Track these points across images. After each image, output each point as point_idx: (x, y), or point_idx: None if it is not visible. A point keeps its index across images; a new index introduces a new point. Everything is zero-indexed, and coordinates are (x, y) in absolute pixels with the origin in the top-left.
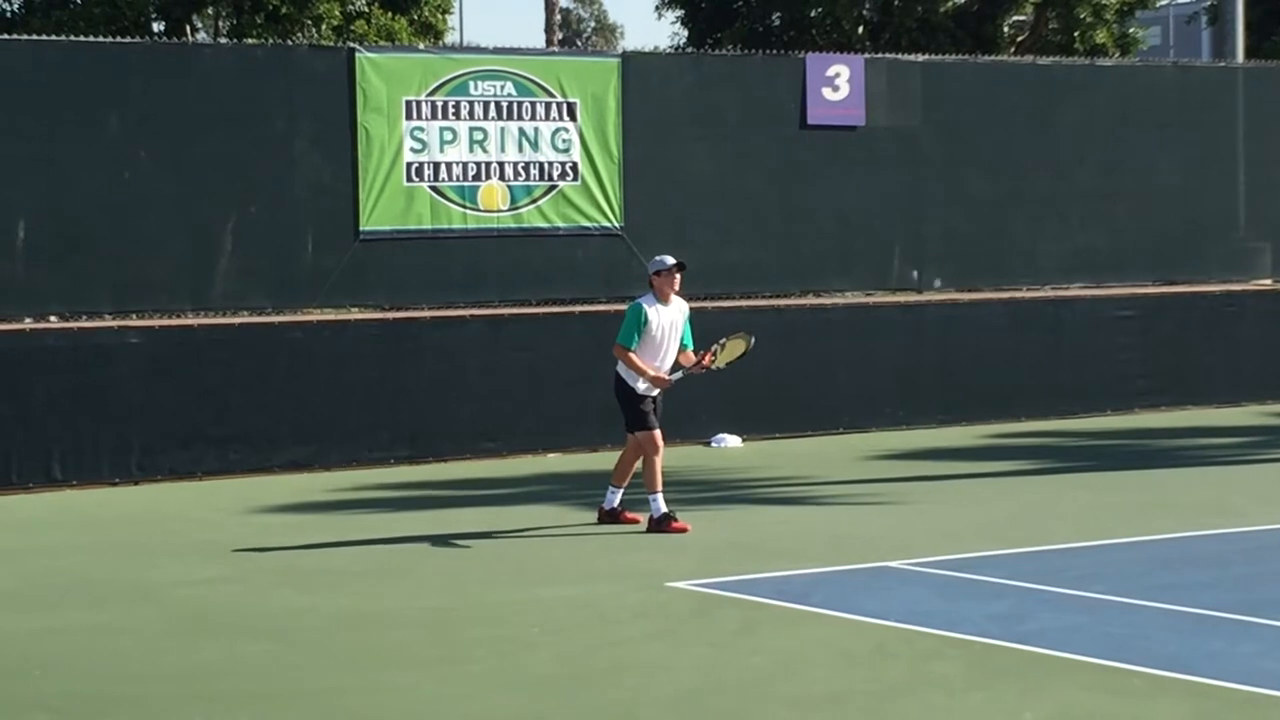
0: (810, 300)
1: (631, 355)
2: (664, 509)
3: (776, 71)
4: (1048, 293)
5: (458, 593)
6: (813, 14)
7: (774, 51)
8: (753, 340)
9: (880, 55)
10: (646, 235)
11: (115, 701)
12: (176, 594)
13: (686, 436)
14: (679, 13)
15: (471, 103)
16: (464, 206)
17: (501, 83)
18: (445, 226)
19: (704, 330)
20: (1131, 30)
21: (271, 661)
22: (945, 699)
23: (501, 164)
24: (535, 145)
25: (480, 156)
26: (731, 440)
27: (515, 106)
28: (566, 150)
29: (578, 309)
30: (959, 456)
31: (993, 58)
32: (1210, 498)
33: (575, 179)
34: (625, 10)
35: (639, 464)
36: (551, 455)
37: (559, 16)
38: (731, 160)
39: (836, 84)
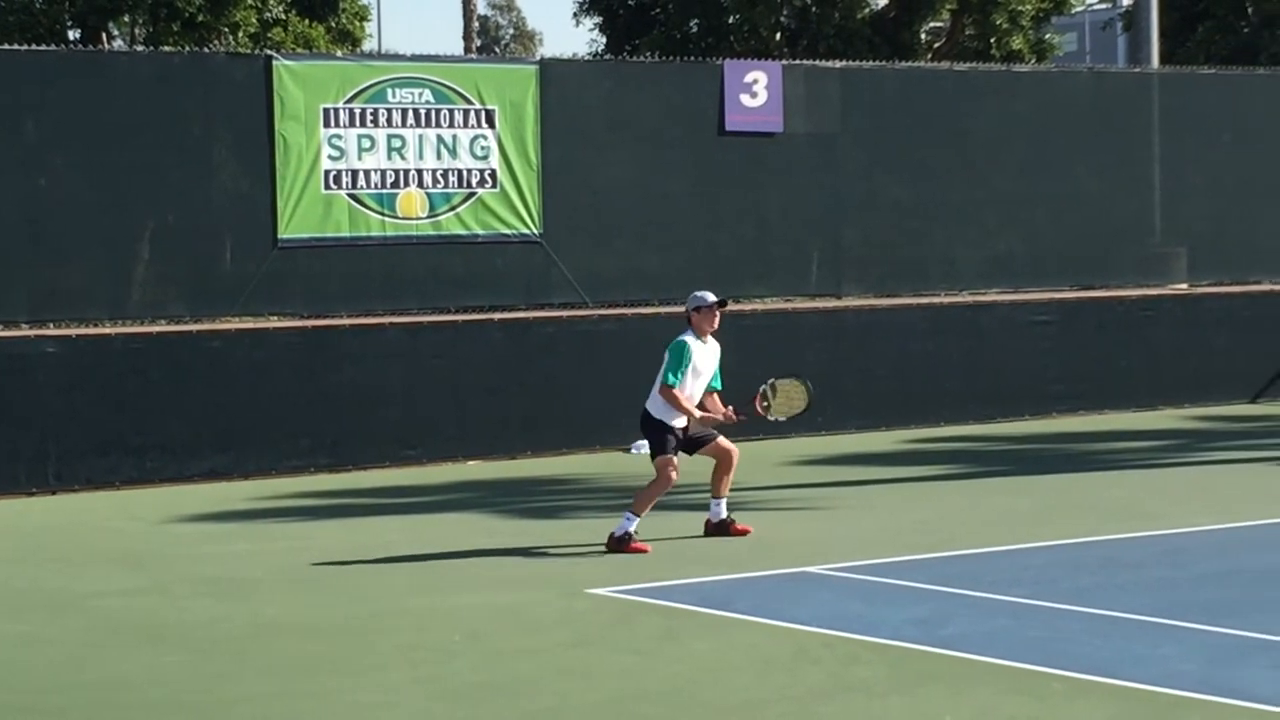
0: (729, 307)
1: (676, 394)
2: (631, 531)
3: (694, 78)
4: (966, 298)
5: (378, 601)
6: (730, 21)
7: (692, 58)
8: (811, 391)
9: (798, 62)
10: (565, 242)
11: (36, 712)
12: (96, 604)
13: (606, 443)
14: (597, 20)
15: (389, 110)
16: (382, 214)
17: (419, 90)
18: (364, 234)
19: (633, 338)
20: (1047, 36)
21: (192, 671)
22: (866, 703)
23: (420, 171)
24: (454, 152)
25: (399, 164)
26: None
27: (433, 114)
28: (485, 157)
29: (497, 316)
30: (879, 462)
31: (910, 64)
32: (1128, 501)
33: (494, 186)
34: (544, 18)
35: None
36: (472, 463)
37: (477, 24)
38: (650, 167)
39: (754, 90)
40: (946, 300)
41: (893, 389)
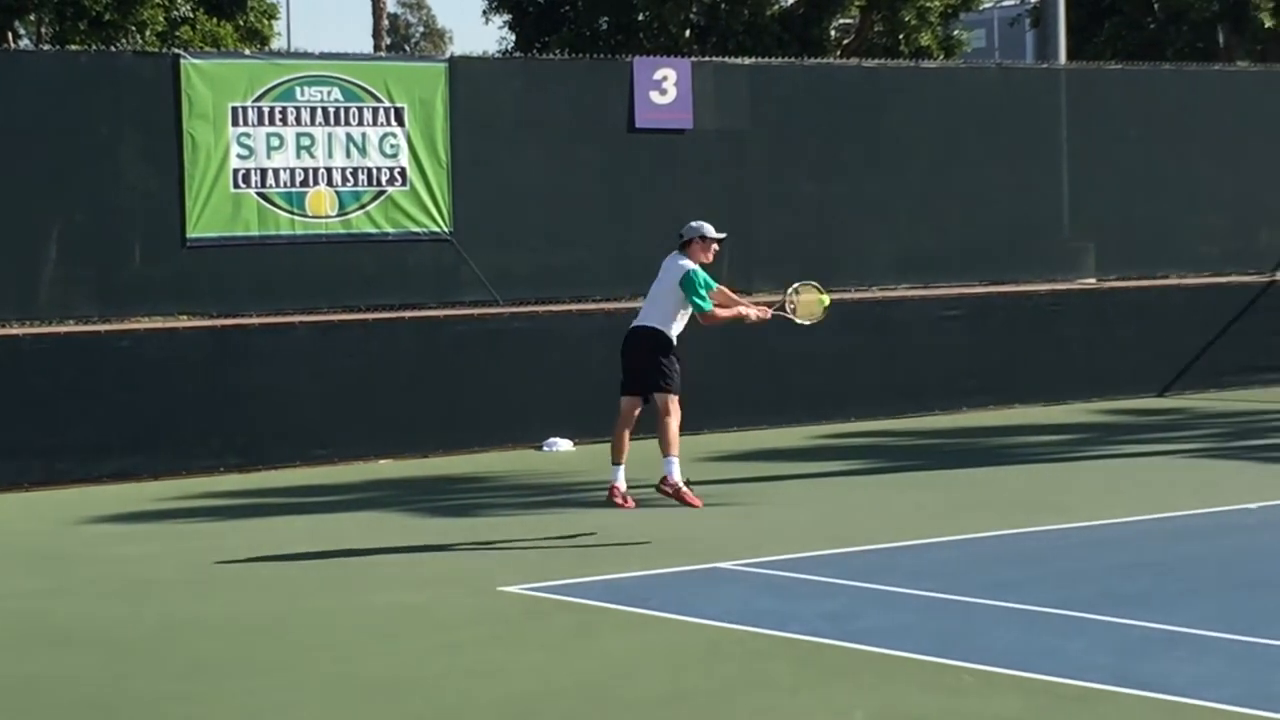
0: (640, 303)
1: (716, 311)
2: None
3: (604, 75)
4: (876, 294)
5: (289, 600)
6: (640, 18)
7: (601, 55)
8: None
9: (707, 58)
10: (476, 240)
11: None
12: (5, 606)
13: (518, 441)
14: (506, 18)
15: (298, 108)
16: (292, 213)
17: (328, 88)
18: (273, 233)
19: (544, 336)
20: (956, 33)
21: (101, 672)
22: (777, 699)
23: (329, 170)
24: (363, 151)
25: (308, 162)
26: (563, 444)
27: (342, 112)
28: (395, 155)
29: (407, 315)
30: (790, 457)
31: (819, 60)
32: (1038, 495)
33: (404, 184)
34: (454, 16)
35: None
36: (383, 462)
37: (386, 22)
38: (560, 164)
39: (664, 87)
40: (857, 296)
41: (804, 385)
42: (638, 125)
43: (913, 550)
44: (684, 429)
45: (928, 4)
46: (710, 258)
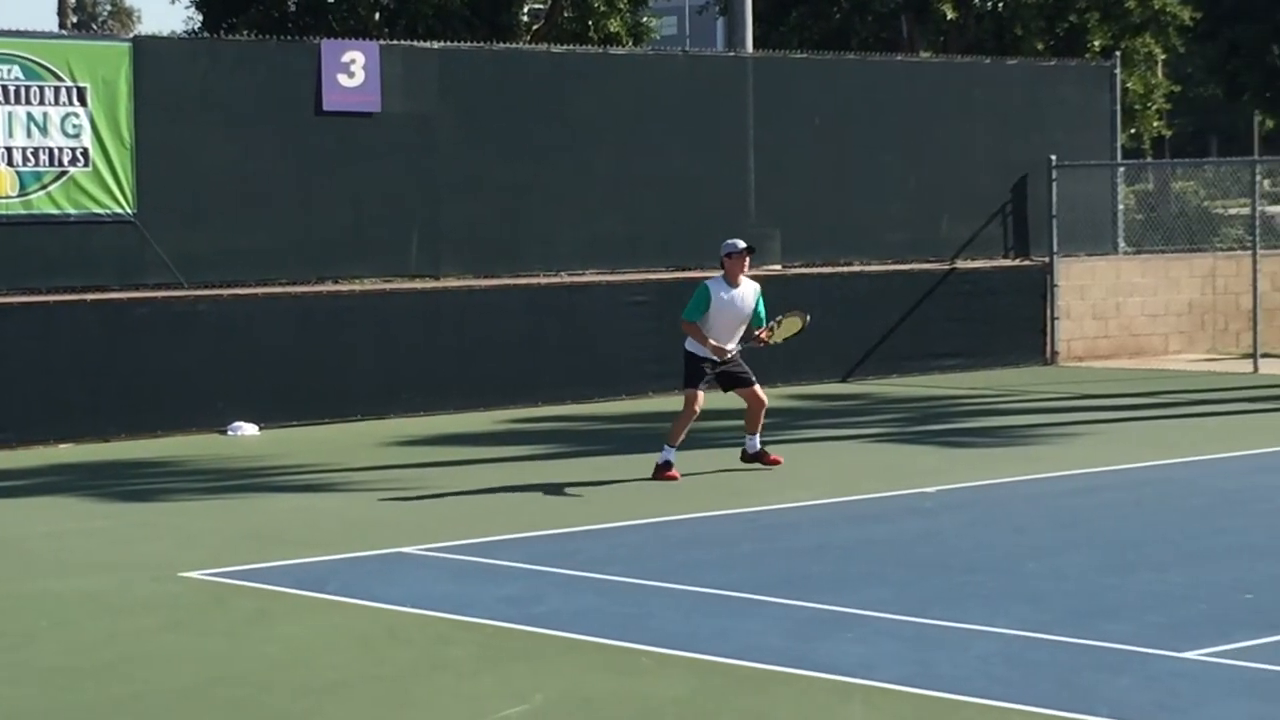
0: (328, 287)
1: (695, 327)
2: (670, 459)
3: (292, 57)
4: (564, 279)
5: None
6: (329, 0)
7: (289, 37)
8: (808, 319)
9: (396, 42)
10: (160, 222)
11: None
12: None
13: (201, 425)
14: None
15: None
16: None
17: (8, 66)
18: None
19: (229, 320)
20: (645, 19)
21: None
22: (457, 682)
23: (9, 149)
24: (44, 130)
25: None
26: (248, 428)
27: (23, 90)
28: (77, 135)
29: (90, 297)
30: (476, 442)
31: (507, 45)
32: (721, 479)
33: (86, 165)
34: None
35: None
36: (63, 446)
37: (73, 0)
38: (246, 147)
39: (352, 70)
40: (544, 281)
41: (491, 369)
42: (325, 108)
43: (595, 534)
44: (368, 414)
45: None
46: (744, 268)
